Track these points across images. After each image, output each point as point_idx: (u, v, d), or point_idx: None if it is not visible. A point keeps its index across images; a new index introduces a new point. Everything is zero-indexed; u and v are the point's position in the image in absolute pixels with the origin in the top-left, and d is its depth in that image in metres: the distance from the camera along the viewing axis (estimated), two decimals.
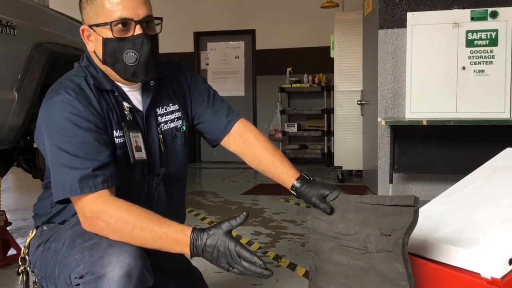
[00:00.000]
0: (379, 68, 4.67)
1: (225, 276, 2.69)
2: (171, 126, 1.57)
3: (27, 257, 1.53)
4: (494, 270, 1.16)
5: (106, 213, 1.29)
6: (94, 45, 1.43)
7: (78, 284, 1.27)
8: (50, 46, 2.76)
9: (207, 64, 8.71)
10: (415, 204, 1.21)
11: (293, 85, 7.90)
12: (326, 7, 6.95)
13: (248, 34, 8.46)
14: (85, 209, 1.30)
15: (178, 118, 1.59)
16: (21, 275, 1.54)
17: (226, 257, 1.26)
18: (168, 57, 1.64)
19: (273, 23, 8.23)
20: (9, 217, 3.03)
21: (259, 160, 1.61)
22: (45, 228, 1.51)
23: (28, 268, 1.52)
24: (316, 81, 7.79)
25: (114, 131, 1.42)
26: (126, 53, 1.39)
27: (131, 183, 1.43)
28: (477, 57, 4.00)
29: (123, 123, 1.43)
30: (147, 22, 1.41)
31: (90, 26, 1.41)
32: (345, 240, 1.33)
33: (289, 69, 8.08)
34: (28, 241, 1.55)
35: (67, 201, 1.34)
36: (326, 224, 1.40)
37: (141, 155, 1.45)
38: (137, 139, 1.45)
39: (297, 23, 8.09)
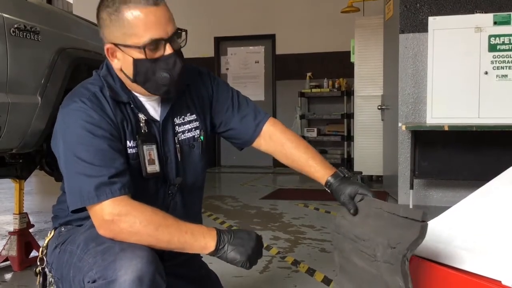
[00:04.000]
0: (400, 73, 4.64)
1: (243, 280, 2.68)
2: (188, 136, 1.56)
3: (44, 258, 1.54)
4: None
5: (130, 214, 1.29)
6: (120, 64, 1.41)
7: None
8: (73, 51, 2.80)
9: (227, 69, 8.75)
10: (423, 220, 1.19)
11: (313, 90, 7.89)
12: (347, 12, 6.93)
13: (268, 39, 8.48)
14: (104, 212, 1.29)
15: (196, 128, 1.58)
16: (38, 275, 1.55)
17: (253, 243, 1.37)
18: (187, 63, 1.64)
19: (293, 28, 8.24)
20: (31, 219, 3.08)
21: (292, 159, 1.61)
22: (63, 229, 1.52)
23: (46, 269, 1.54)
24: (336, 86, 7.77)
25: (128, 141, 1.42)
26: (159, 74, 1.37)
27: (146, 192, 1.42)
28: (500, 62, 3.95)
29: (137, 136, 1.43)
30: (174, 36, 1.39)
31: (117, 45, 1.38)
32: (361, 245, 1.34)
33: (309, 74, 8.07)
34: (46, 242, 1.56)
35: (82, 209, 1.34)
36: (349, 225, 1.42)
37: (154, 168, 1.45)
38: (151, 152, 1.44)
39: (318, 27, 8.09)
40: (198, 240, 1.33)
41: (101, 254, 1.28)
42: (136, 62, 1.37)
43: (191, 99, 1.59)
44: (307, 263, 2.95)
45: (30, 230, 3.01)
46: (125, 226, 1.28)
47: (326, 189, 1.52)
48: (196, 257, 1.73)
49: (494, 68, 3.97)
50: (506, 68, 3.94)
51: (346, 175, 1.50)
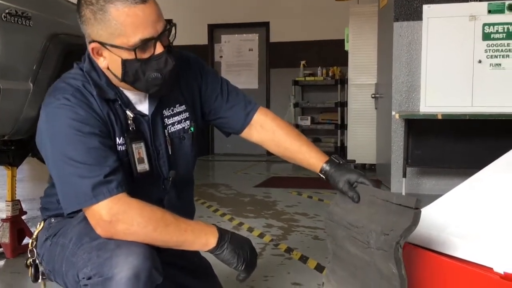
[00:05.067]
0: (394, 61, 4.64)
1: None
2: (178, 128, 1.51)
3: (35, 249, 1.51)
4: (507, 265, 1.15)
5: (127, 215, 1.25)
6: (107, 62, 1.34)
7: (86, 285, 1.25)
8: (66, 37, 2.77)
9: (221, 56, 8.71)
10: (417, 207, 1.19)
11: (307, 78, 7.88)
12: (341, 0, 6.90)
13: (262, 27, 8.45)
14: (101, 212, 1.25)
15: (186, 119, 1.53)
16: (30, 267, 1.52)
17: (249, 248, 1.37)
18: (175, 51, 1.53)
19: (288, 16, 8.20)
20: (24, 206, 3.07)
21: (284, 147, 1.58)
22: (53, 221, 1.49)
23: (37, 261, 1.51)
24: (330, 74, 7.76)
25: (117, 138, 1.37)
26: (149, 74, 1.32)
27: (140, 189, 1.38)
28: (493, 51, 3.95)
29: (126, 134, 1.38)
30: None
31: (103, 44, 1.31)
32: (354, 232, 1.35)
33: (303, 62, 8.05)
34: (36, 233, 1.53)
35: (78, 210, 1.31)
36: (342, 212, 1.43)
37: (144, 166, 1.41)
38: (139, 150, 1.40)
39: (312, 15, 8.05)
40: (199, 237, 1.31)
41: (96, 250, 1.26)
42: (125, 62, 1.31)
43: (180, 90, 1.53)
44: (300, 250, 2.96)
45: (23, 217, 3.00)
46: (122, 228, 1.25)
47: (321, 176, 1.50)
48: None
49: (488, 57, 3.97)
50: (499, 57, 3.95)
51: (341, 162, 1.49)
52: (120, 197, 1.26)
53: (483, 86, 3.99)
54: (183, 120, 1.53)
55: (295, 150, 1.57)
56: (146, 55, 1.30)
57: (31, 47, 2.56)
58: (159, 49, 1.31)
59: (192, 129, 1.55)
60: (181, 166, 1.53)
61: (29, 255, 1.53)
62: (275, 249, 3.02)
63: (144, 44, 1.28)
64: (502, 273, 1.15)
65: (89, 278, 1.24)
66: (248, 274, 1.37)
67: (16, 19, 2.41)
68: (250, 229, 3.48)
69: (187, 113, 1.54)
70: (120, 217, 1.25)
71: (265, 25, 8.42)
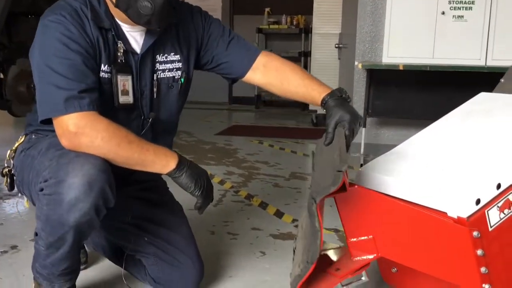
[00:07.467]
0: (359, 11, 4.59)
1: (196, 213, 2.72)
2: (168, 75, 1.58)
3: (12, 160, 1.59)
4: (461, 209, 1.18)
5: (94, 129, 1.32)
6: None
7: (42, 189, 1.33)
8: None
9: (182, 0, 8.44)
10: (339, 170, 1.17)
11: (271, 26, 7.77)
12: None
13: None
14: (69, 123, 1.31)
15: (178, 69, 1.60)
16: (5, 176, 1.60)
17: (206, 178, 1.46)
18: (180, 1, 1.62)
19: None
20: None
21: (288, 82, 1.61)
22: (34, 137, 1.56)
23: (13, 171, 1.59)
24: (294, 22, 7.66)
25: (102, 65, 1.43)
26: (141, 1, 1.36)
27: (117, 121, 1.43)
28: (457, 2, 3.95)
29: (113, 65, 1.44)
30: None
31: None
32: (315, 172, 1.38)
33: (267, 9, 7.90)
34: (16, 146, 1.60)
35: (50, 121, 1.36)
36: (319, 150, 1.48)
37: (127, 99, 1.48)
38: (125, 82, 1.47)
39: None
40: (160, 158, 1.39)
41: (57, 158, 1.33)
42: None
43: (178, 39, 1.59)
44: (260, 197, 2.99)
45: None
46: (86, 140, 1.31)
47: (322, 108, 1.54)
48: (160, 182, 1.80)
49: (451, 8, 3.97)
50: (462, 9, 3.96)
51: (343, 95, 1.51)
52: (90, 113, 1.33)
53: (445, 38, 4.01)
54: (175, 69, 1.59)
55: (298, 83, 1.59)
56: None
57: None
58: None
59: (182, 80, 1.61)
60: (163, 112, 1.60)
61: (6, 165, 1.61)
62: (235, 195, 3.04)
63: None
64: (456, 217, 1.18)
65: (46, 181, 1.32)
66: (205, 202, 1.46)
67: None
68: (211, 176, 3.49)
69: (180, 63, 1.60)
70: (87, 130, 1.32)
71: None
